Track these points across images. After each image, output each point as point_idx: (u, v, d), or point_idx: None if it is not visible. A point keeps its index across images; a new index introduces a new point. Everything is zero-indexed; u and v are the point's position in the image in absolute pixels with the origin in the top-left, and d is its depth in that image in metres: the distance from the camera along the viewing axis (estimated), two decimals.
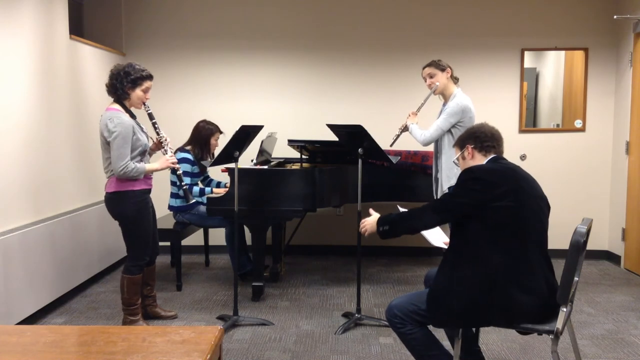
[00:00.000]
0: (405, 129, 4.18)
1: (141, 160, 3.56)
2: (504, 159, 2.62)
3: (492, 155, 2.60)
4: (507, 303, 2.35)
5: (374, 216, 2.77)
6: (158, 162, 3.63)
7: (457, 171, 3.85)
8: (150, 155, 3.73)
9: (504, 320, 2.40)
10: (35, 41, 3.95)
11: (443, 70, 3.94)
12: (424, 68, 4.02)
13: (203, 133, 4.52)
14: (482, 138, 2.61)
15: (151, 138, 3.71)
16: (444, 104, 4.02)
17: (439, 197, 4.01)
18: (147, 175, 3.64)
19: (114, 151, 3.41)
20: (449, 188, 3.86)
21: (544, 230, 2.49)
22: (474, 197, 2.41)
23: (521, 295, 2.34)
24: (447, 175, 3.91)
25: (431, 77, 3.97)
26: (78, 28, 5.24)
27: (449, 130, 3.90)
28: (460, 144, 2.71)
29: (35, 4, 3.95)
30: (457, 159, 2.73)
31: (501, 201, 2.38)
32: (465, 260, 2.43)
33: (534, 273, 2.39)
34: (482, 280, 2.36)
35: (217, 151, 4.35)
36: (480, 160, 2.61)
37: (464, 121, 3.85)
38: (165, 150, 3.66)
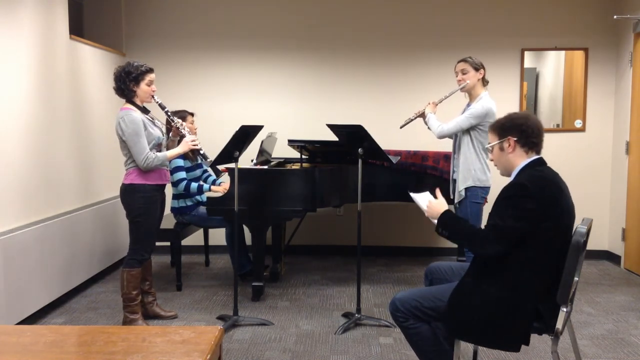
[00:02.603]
0: (421, 116, 4.11)
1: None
2: (545, 163, 2.45)
3: (534, 155, 2.43)
4: (531, 324, 2.32)
5: (441, 204, 2.54)
6: (179, 147, 3.73)
7: (475, 172, 3.84)
8: (177, 142, 3.82)
9: (525, 340, 2.34)
10: (35, 41, 3.95)
11: (477, 69, 3.88)
12: (458, 62, 3.94)
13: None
14: (529, 133, 2.40)
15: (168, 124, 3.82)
16: (468, 104, 3.98)
17: (455, 198, 3.95)
18: (163, 171, 3.72)
19: (132, 148, 3.55)
20: (465, 189, 3.82)
21: (568, 247, 2.39)
22: (531, 217, 2.26)
23: (547, 315, 2.33)
24: (464, 176, 3.84)
25: (464, 73, 3.90)
26: (78, 28, 5.24)
27: (468, 131, 3.86)
28: (501, 132, 2.46)
29: (35, 4, 3.95)
30: (491, 147, 2.51)
31: (546, 222, 2.27)
32: (491, 276, 2.36)
33: (554, 291, 2.36)
34: (509, 301, 2.30)
35: (211, 148, 4.36)
36: (520, 156, 2.42)
37: (485, 125, 3.81)
38: (184, 135, 3.73)
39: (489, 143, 2.53)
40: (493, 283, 2.35)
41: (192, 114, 4.60)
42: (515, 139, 2.42)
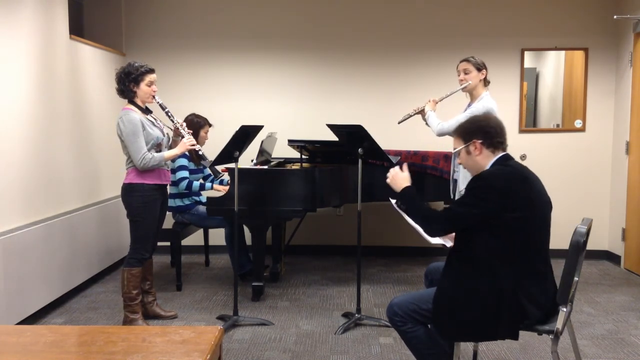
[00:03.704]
0: (421, 112, 4.08)
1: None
2: (512, 158, 2.50)
3: (500, 153, 2.48)
4: (517, 316, 2.33)
5: (406, 178, 2.65)
6: (177, 147, 3.73)
7: None
8: (175, 144, 3.81)
9: (512, 333, 2.36)
10: (35, 41, 3.95)
11: (479, 70, 3.84)
12: (461, 62, 3.89)
13: (193, 126, 4.48)
14: (492, 134, 2.46)
15: (169, 128, 3.82)
16: (469, 104, 3.95)
17: (456, 198, 3.95)
18: (163, 171, 3.73)
19: (129, 147, 3.57)
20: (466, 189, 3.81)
21: (548, 237, 2.45)
22: (488, 207, 2.32)
23: (530, 306, 2.33)
24: (465, 176, 3.79)
25: (466, 73, 3.85)
26: (78, 28, 5.24)
27: None
28: (465, 136, 2.51)
29: (35, 4, 3.95)
30: (458, 152, 2.55)
31: (513, 212, 2.30)
32: (472, 271, 2.38)
33: (540, 282, 2.38)
34: (492, 293, 2.32)
35: (211, 148, 4.36)
36: (488, 157, 2.47)
37: None
38: (183, 135, 3.73)
39: (455, 148, 2.59)
40: (468, 277, 2.38)
41: (210, 125, 4.65)
42: (480, 141, 2.47)
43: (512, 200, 2.32)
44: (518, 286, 2.32)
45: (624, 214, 5.32)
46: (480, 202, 2.34)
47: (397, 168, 2.70)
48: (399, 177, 2.66)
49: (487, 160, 2.48)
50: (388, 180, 2.69)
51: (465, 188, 2.46)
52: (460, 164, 2.62)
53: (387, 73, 5.69)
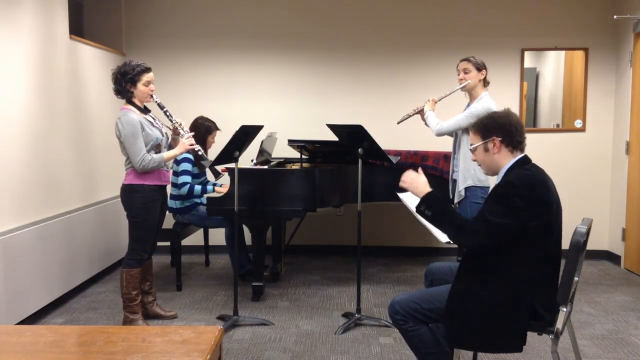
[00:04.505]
0: (420, 112, 4.08)
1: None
2: (530, 161, 2.43)
3: (519, 154, 2.42)
4: (528, 324, 2.32)
5: (424, 182, 2.47)
6: (177, 148, 3.70)
7: (474, 172, 3.81)
8: (175, 143, 3.79)
9: (522, 342, 2.34)
10: (35, 41, 3.95)
11: (479, 70, 3.84)
12: (461, 61, 3.89)
13: (202, 130, 4.49)
14: (514, 133, 2.39)
15: (168, 127, 3.80)
16: (469, 104, 3.95)
17: (455, 198, 3.92)
18: (163, 171, 3.71)
19: (128, 149, 3.54)
20: (465, 189, 3.80)
21: (560, 243, 2.40)
22: (520, 216, 2.22)
23: (541, 310, 2.32)
24: (464, 176, 3.81)
25: (466, 72, 3.85)
26: (78, 28, 5.24)
27: (467, 131, 3.83)
28: (485, 133, 2.42)
29: (35, 4, 3.95)
30: (475, 148, 2.47)
31: (536, 220, 2.24)
32: (485, 278, 2.33)
33: (553, 288, 2.37)
34: (504, 304, 2.29)
35: (213, 149, 4.36)
36: (506, 156, 2.41)
37: None
38: (182, 135, 3.70)
39: (472, 144, 2.50)
40: (485, 287, 2.33)
41: (218, 129, 4.62)
42: (500, 139, 2.40)
43: (537, 209, 2.26)
44: (531, 296, 2.30)
45: (624, 214, 5.32)
46: (512, 211, 2.23)
47: (412, 172, 2.53)
48: (420, 182, 2.48)
49: (505, 160, 2.42)
50: (405, 185, 2.49)
51: (491, 195, 2.36)
52: (474, 160, 2.53)
53: (387, 73, 5.68)
